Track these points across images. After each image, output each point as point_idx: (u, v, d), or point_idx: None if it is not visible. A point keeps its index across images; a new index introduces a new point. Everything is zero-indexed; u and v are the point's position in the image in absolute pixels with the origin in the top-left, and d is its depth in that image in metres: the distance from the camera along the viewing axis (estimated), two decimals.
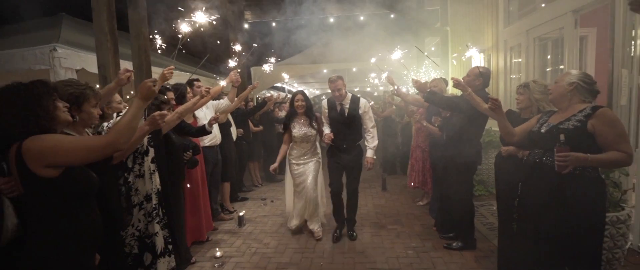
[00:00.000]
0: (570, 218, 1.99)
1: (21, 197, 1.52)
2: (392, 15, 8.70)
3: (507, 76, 5.47)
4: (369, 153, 3.81)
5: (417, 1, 7.84)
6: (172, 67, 2.60)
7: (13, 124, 1.46)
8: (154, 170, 2.66)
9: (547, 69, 4.61)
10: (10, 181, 1.53)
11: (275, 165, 3.86)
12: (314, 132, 3.87)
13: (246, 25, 9.12)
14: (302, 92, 3.93)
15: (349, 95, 3.78)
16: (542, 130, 2.16)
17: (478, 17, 6.25)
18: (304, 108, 3.83)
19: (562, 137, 1.94)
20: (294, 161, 3.92)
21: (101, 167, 1.83)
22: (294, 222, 4.03)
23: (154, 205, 2.60)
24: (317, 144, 4.03)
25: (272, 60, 5.70)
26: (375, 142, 3.81)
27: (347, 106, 3.75)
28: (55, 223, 1.51)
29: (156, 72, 5.01)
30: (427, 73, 6.90)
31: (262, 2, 8.99)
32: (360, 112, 3.74)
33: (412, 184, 4.98)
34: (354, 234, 3.91)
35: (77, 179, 1.56)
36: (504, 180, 2.73)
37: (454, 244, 3.49)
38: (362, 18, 8.93)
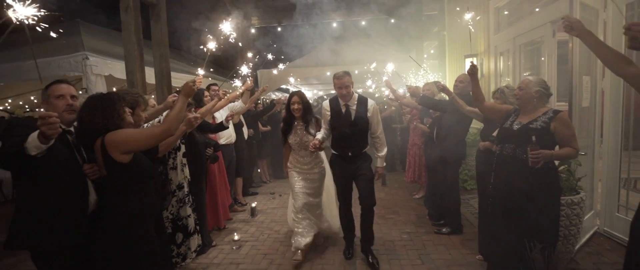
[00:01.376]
0: (534, 199, 2.48)
1: (102, 179, 2.04)
2: (392, 20, 9.20)
3: (498, 78, 5.94)
4: (379, 162, 3.39)
5: (416, 7, 8.33)
6: (201, 76, 3.11)
7: (98, 123, 1.98)
8: (185, 163, 3.18)
9: (527, 73, 5.09)
10: (94, 167, 2.05)
11: (286, 168, 3.62)
12: (311, 138, 3.39)
13: (253, 30, 9.66)
14: (299, 93, 3.50)
15: (356, 95, 3.34)
16: (515, 128, 2.64)
17: (472, 24, 6.72)
18: (300, 111, 3.41)
19: (534, 138, 2.41)
20: (292, 166, 3.56)
21: (151, 159, 2.35)
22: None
23: (185, 193, 3.13)
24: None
25: (281, 66, 6.20)
26: (385, 150, 3.37)
27: (354, 108, 3.29)
28: (127, 198, 2.02)
29: (175, 77, 5.55)
30: (425, 76, 7.39)
31: (268, 7, 9.52)
32: (368, 115, 3.27)
33: (409, 178, 5.48)
34: (374, 262, 3.25)
35: (141, 164, 2.08)
36: (481, 170, 3.23)
37: (444, 230, 3.98)
38: (363, 23, 9.44)
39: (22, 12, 1.82)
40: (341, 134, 3.31)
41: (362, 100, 3.32)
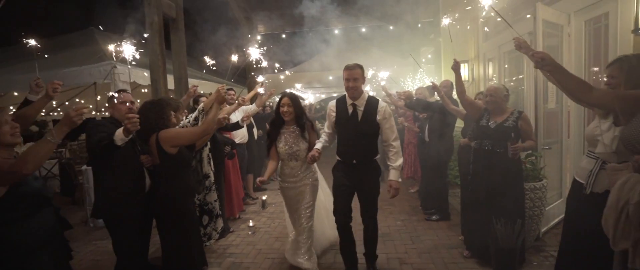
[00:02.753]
0: (505, 185, 3.06)
1: (154, 167, 2.64)
2: (391, 27, 9.82)
3: (486, 82, 6.54)
4: (392, 174, 2.93)
5: (412, 15, 8.95)
6: (224, 85, 3.72)
7: (152, 123, 2.59)
8: (211, 157, 3.80)
9: (513, 78, 5.68)
10: (148, 157, 2.65)
11: (263, 178, 3.15)
12: (303, 146, 3.07)
13: (259, 37, 10.30)
14: (290, 94, 3.17)
15: (366, 94, 2.98)
16: (492, 126, 3.22)
17: (464, 32, 7.33)
18: (291, 115, 3.06)
19: (513, 135, 3.00)
20: (281, 180, 3.20)
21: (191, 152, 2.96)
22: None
23: (211, 182, 3.74)
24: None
25: (288, 72, 6.82)
26: (400, 160, 2.93)
27: (361, 109, 2.91)
28: (174, 180, 2.63)
29: (190, 82, 6.18)
30: (421, 80, 8.00)
31: (273, 16, 10.16)
32: (378, 118, 2.91)
33: (406, 174, 6.07)
34: None
35: (184, 155, 2.69)
36: (462, 162, 3.82)
37: (434, 217, 4.56)
38: (364, 30, 10.07)
39: None
40: (346, 138, 2.98)
41: (372, 101, 2.95)
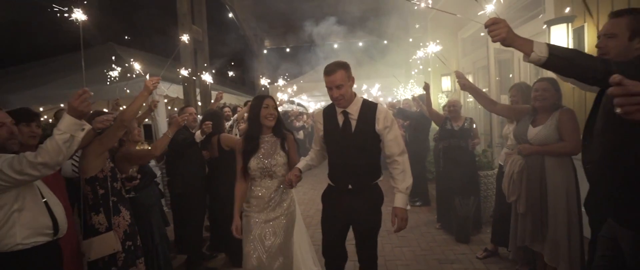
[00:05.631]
0: (465, 171, 4.30)
1: (212, 159, 3.85)
2: (385, 42, 11.15)
3: (465, 93, 7.82)
4: (398, 200, 2.36)
5: (404, 31, 10.27)
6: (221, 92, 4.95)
7: (216, 128, 3.80)
8: None
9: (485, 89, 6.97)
10: (208, 152, 3.87)
11: (236, 222, 2.51)
12: (281, 161, 2.49)
13: (265, 51, 11.61)
14: (271, 97, 2.62)
15: (360, 99, 2.43)
16: (456, 129, 4.46)
17: (447, 48, 8.65)
18: (274, 118, 2.53)
19: (472, 133, 4.26)
20: (247, 209, 2.52)
21: None
22: None
23: None
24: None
25: (294, 87, 8.06)
26: (408, 181, 2.36)
27: (355, 117, 2.37)
28: (228, 169, 3.84)
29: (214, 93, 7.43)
30: (412, 89, 9.28)
31: (279, 32, 11.48)
32: (377, 128, 2.34)
33: None
34: None
35: (228, 153, 3.90)
36: (436, 159, 5.06)
37: (417, 203, 5.79)
38: (361, 44, 11.40)
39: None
40: (337, 157, 2.43)
41: (369, 106, 2.38)
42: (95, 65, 7.75)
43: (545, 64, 1.56)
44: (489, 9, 2.37)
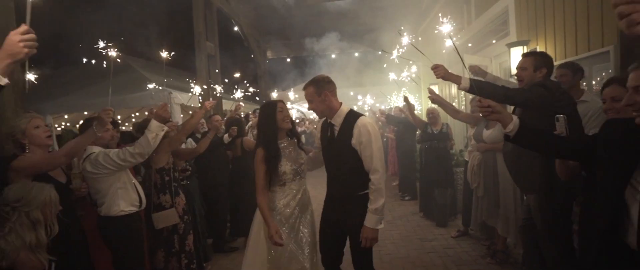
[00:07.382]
0: (443, 167, 5.24)
1: (236, 158, 4.76)
2: (379, 52, 12.14)
3: (451, 100, 8.80)
4: (368, 220, 2.34)
5: (398, 43, 11.26)
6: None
7: (241, 132, 4.71)
8: None
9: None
10: (231, 152, 4.78)
11: (275, 227, 2.36)
12: (304, 158, 2.66)
13: (267, 61, 12.56)
14: (282, 101, 2.67)
15: (345, 110, 2.48)
16: (435, 133, 5.40)
17: (436, 59, 9.65)
18: (290, 120, 2.62)
19: (450, 136, 5.21)
20: (279, 217, 2.50)
21: None
22: None
23: None
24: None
25: (295, 95, 8.99)
26: (379, 202, 2.32)
27: (337, 128, 2.47)
28: (248, 168, 4.75)
29: (224, 102, 8.35)
30: (405, 93, 10.26)
31: (280, 43, 12.44)
32: (352, 141, 2.37)
33: (390, 171, 8.26)
34: None
35: (248, 153, 4.82)
36: (419, 157, 6.00)
37: (406, 197, 6.72)
38: (356, 54, 12.39)
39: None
40: (327, 165, 2.61)
41: (350, 119, 2.43)
42: (115, 76, 8.63)
43: (469, 91, 2.52)
44: (448, 43, 3.33)
